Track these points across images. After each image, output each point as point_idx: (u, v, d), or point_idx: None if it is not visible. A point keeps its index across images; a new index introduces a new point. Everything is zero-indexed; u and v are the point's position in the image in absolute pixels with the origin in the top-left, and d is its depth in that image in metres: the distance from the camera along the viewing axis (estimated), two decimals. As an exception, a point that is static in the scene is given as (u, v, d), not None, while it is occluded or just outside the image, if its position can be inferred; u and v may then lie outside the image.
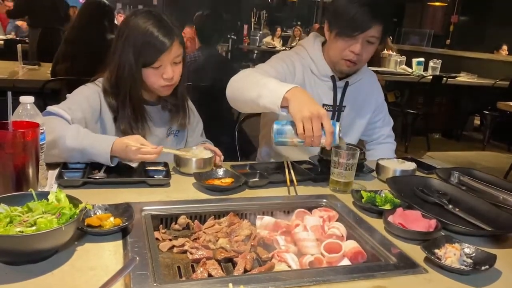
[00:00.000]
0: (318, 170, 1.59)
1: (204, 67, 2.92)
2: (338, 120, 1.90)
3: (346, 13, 1.69)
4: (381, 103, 2.04)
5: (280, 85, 1.47)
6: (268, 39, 10.79)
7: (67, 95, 1.60)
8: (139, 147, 1.36)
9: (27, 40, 5.72)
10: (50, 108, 1.48)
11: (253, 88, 1.53)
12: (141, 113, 1.62)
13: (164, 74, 1.56)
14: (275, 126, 1.44)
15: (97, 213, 1.08)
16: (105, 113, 1.60)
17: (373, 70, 2.13)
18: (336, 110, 1.90)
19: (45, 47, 5.05)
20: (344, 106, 1.92)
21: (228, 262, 1.06)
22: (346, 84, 1.89)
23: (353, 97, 1.92)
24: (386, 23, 1.72)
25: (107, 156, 1.36)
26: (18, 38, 5.86)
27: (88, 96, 1.58)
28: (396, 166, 1.61)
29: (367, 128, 2.02)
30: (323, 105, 1.87)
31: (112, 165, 1.40)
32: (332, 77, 1.86)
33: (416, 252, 1.06)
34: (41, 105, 2.94)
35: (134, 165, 1.47)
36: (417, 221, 1.17)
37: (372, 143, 2.09)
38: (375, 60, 6.80)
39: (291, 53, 1.93)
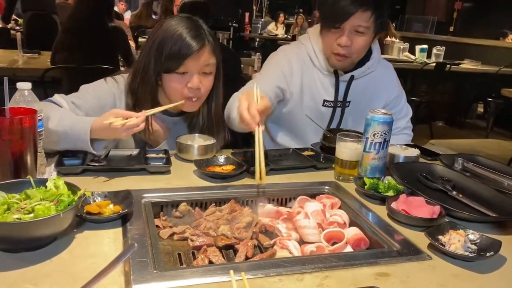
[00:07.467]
0: (320, 157, 1.58)
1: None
2: (342, 115, 1.84)
3: (327, 1, 1.62)
4: (394, 97, 1.92)
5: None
6: (271, 26, 10.68)
7: (82, 86, 1.52)
8: (123, 123, 1.25)
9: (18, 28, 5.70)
10: (54, 97, 1.44)
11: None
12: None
13: (189, 83, 1.44)
14: None
15: (97, 200, 1.07)
16: None
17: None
18: (337, 106, 1.83)
19: (34, 32, 5.02)
20: (349, 102, 1.84)
21: (229, 249, 1.05)
22: (352, 78, 1.80)
23: (360, 90, 1.83)
24: (376, 10, 1.60)
25: (86, 137, 1.27)
26: (9, 26, 5.80)
27: (100, 97, 1.50)
28: (400, 153, 1.58)
29: None
30: (324, 101, 1.82)
31: (95, 153, 1.31)
32: (335, 72, 1.79)
33: (419, 239, 1.05)
34: (41, 93, 2.93)
35: (135, 152, 1.46)
36: (421, 207, 1.16)
37: None
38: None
39: (289, 51, 1.85)
